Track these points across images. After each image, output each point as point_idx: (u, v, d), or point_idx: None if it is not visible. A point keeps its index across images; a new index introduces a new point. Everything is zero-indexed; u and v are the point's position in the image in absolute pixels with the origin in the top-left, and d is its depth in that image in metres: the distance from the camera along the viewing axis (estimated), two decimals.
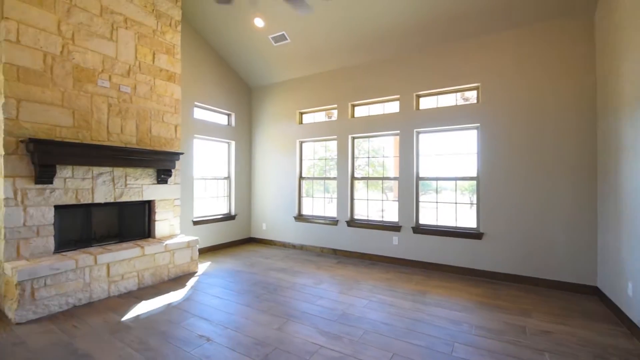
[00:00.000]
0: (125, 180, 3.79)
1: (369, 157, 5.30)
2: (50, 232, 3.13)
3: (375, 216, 5.14)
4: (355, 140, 5.25)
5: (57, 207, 3.24)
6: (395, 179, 4.89)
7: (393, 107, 4.87)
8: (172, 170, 4.24)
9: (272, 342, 2.41)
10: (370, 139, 5.15)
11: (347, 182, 5.16)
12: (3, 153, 2.85)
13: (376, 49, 4.72)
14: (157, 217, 4.14)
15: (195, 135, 5.22)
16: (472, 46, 4.15)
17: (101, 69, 3.58)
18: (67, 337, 2.45)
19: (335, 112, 5.42)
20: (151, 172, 4.07)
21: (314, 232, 5.49)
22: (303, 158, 5.86)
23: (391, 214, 4.95)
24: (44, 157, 2.97)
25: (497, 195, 3.98)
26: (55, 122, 3.18)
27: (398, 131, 4.70)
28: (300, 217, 5.67)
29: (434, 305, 3.15)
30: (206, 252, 5.34)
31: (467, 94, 4.39)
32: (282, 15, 4.46)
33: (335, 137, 5.30)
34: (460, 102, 4.41)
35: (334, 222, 5.25)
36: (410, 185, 4.59)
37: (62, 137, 3.22)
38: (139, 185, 3.93)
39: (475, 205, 4.22)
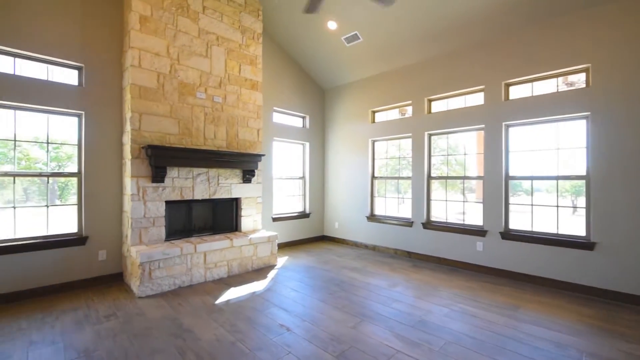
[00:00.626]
0: (218, 179, 4.29)
1: (447, 155, 4.93)
2: (162, 223, 3.74)
3: (454, 218, 4.77)
4: (432, 137, 4.95)
5: (167, 202, 3.85)
6: (478, 178, 4.45)
7: (476, 99, 4.44)
8: (255, 171, 4.64)
9: (348, 340, 2.44)
10: (449, 135, 4.79)
11: (422, 181, 4.90)
12: (130, 157, 3.52)
13: (454, 37, 4.36)
14: (243, 213, 4.58)
15: (274, 138, 5.61)
16: (578, 21, 3.51)
17: (199, 83, 4.12)
18: (174, 313, 2.89)
19: (409, 108, 5.20)
20: (238, 172, 4.52)
21: (387, 233, 5.37)
22: (375, 157, 5.78)
23: (474, 217, 4.52)
24: (158, 160, 3.56)
25: (616, 198, 3.29)
26: (165, 131, 3.79)
27: (482, 125, 4.26)
28: (372, 217, 5.60)
29: (530, 322, 2.76)
30: (283, 247, 5.69)
31: (572, 77, 3.74)
32: (355, 15, 4.47)
33: (410, 134, 5.08)
34: (563, 87, 3.77)
35: (408, 223, 5.04)
36: (497, 186, 4.12)
37: (170, 143, 3.82)
38: (228, 184, 4.40)
39: (584, 210, 3.56)
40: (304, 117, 6.34)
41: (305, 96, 6.22)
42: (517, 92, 4.08)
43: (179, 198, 3.90)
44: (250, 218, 4.69)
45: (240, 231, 4.58)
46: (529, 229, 3.94)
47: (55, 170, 3.57)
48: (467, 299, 3.28)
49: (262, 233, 4.51)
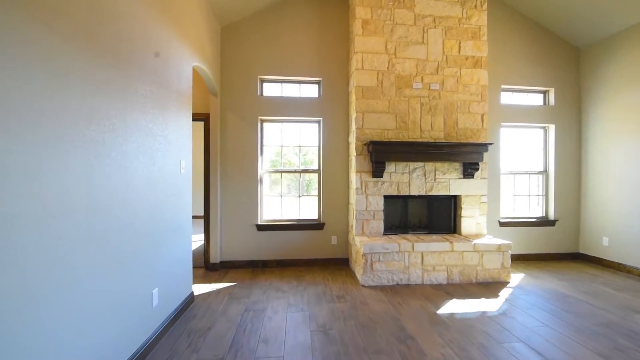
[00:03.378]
0: (435, 174, 3.93)
1: None
2: (381, 217, 3.84)
3: None
4: None
5: (385, 197, 3.91)
6: None
7: None
8: (480, 164, 3.90)
9: None
10: None
11: None
12: (355, 154, 3.82)
13: None
14: (463, 213, 3.97)
15: (502, 124, 4.55)
16: None
17: (415, 73, 3.91)
18: (395, 312, 2.81)
19: None
20: (457, 166, 3.96)
21: None
22: None
23: None
24: (378, 155, 3.66)
25: None
26: (384, 127, 3.85)
27: None
28: None
29: None
30: (514, 260, 4.52)
31: None
32: None
33: None
34: None
35: None
36: None
37: (388, 138, 3.84)
38: (446, 180, 3.95)
39: None
40: (545, 92, 4.78)
41: (548, 63, 4.65)
42: None
43: (395, 193, 3.87)
44: (472, 220, 4.00)
45: (459, 234, 4.00)
46: None
47: (304, 168, 4.46)
48: None
49: (489, 239, 3.71)
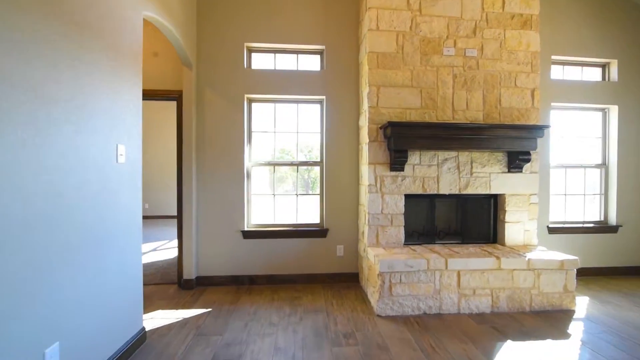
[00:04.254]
0: (471, 167, 3.03)
1: None
2: (401, 222, 2.96)
3: None
4: None
5: (406, 196, 3.03)
6: None
7: None
8: (532, 153, 2.98)
9: None
10: None
11: None
12: (367, 141, 2.95)
13: None
14: (508, 217, 3.07)
15: (553, 104, 3.61)
16: None
17: (446, 35, 3.01)
18: None
19: None
20: (500, 156, 3.06)
21: None
22: None
23: None
24: (398, 141, 2.77)
25: None
26: (405, 105, 2.97)
27: None
28: None
29: None
30: None
31: None
32: None
33: None
34: None
35: None
36: None
37: (411, 120, 2.96)
38: (485, 174, 3.05)
39: None
40: (605, 65, 3.82)
41: (609, 28, 3.69)
42: None
43: (420, 191, 2.99)
44: (518, 226, 3.09)
45: (501, 244, 3.11)
46: None
47: (302, 160, 3.59)
48: None
49: (546, 253, 2.80)
